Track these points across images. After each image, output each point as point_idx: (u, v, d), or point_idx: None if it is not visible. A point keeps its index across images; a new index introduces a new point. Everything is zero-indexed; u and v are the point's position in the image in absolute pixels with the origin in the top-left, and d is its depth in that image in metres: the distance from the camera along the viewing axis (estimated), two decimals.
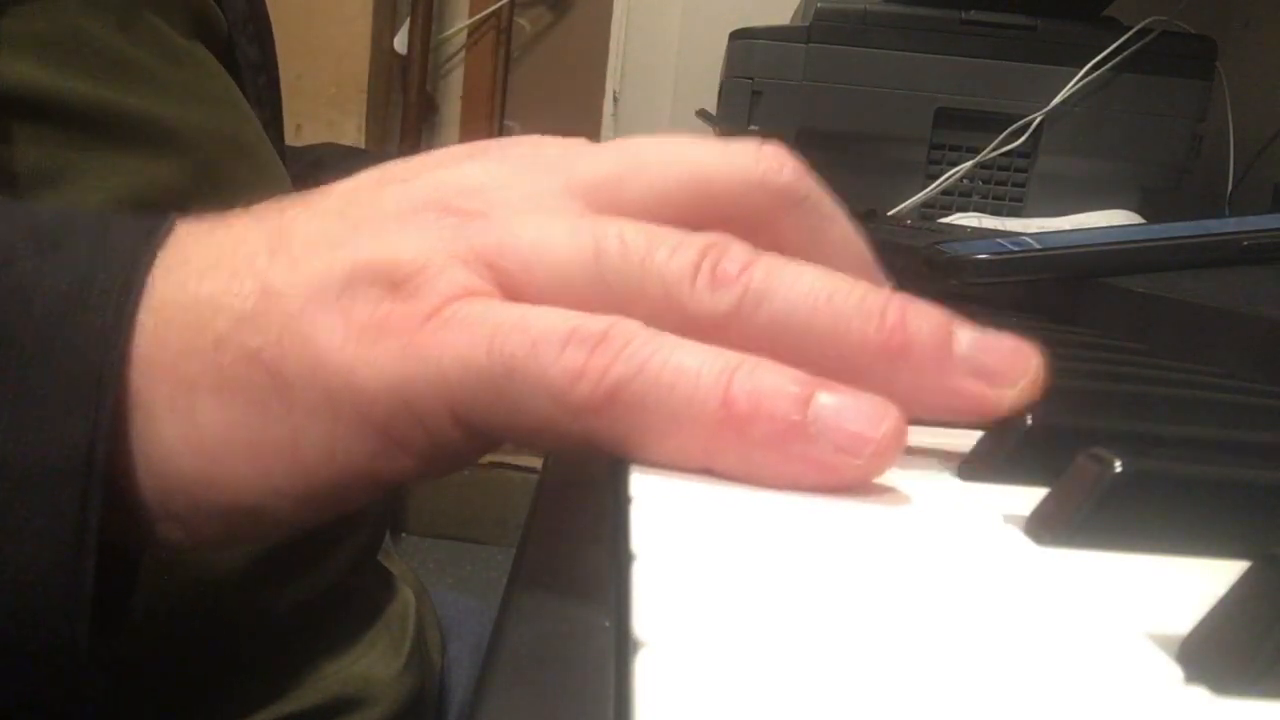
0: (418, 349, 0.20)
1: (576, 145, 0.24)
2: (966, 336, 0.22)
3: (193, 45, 0.43)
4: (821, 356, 0.21)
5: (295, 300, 0.21)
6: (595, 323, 0.20)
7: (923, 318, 0.21)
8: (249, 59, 0.48)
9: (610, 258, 0.21)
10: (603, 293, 0.21)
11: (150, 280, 0.21)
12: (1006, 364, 0.22)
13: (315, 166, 0.57)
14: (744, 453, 0.19)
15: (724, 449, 0.19)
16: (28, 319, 0.19)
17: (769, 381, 0.19)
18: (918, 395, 0.21)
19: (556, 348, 0.19)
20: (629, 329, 0.20)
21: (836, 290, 0.21)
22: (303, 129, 1.46)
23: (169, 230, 0.22)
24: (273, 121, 0.50)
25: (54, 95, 0.34)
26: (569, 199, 0.23)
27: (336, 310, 0.21)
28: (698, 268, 0.21)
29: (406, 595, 0.53)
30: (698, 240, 0.21)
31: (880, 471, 0.20)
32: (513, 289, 0.21)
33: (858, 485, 0.20)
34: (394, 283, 0.21)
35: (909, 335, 0.21)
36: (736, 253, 0.21)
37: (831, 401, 0.19)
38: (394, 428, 0.20)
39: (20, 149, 0.34)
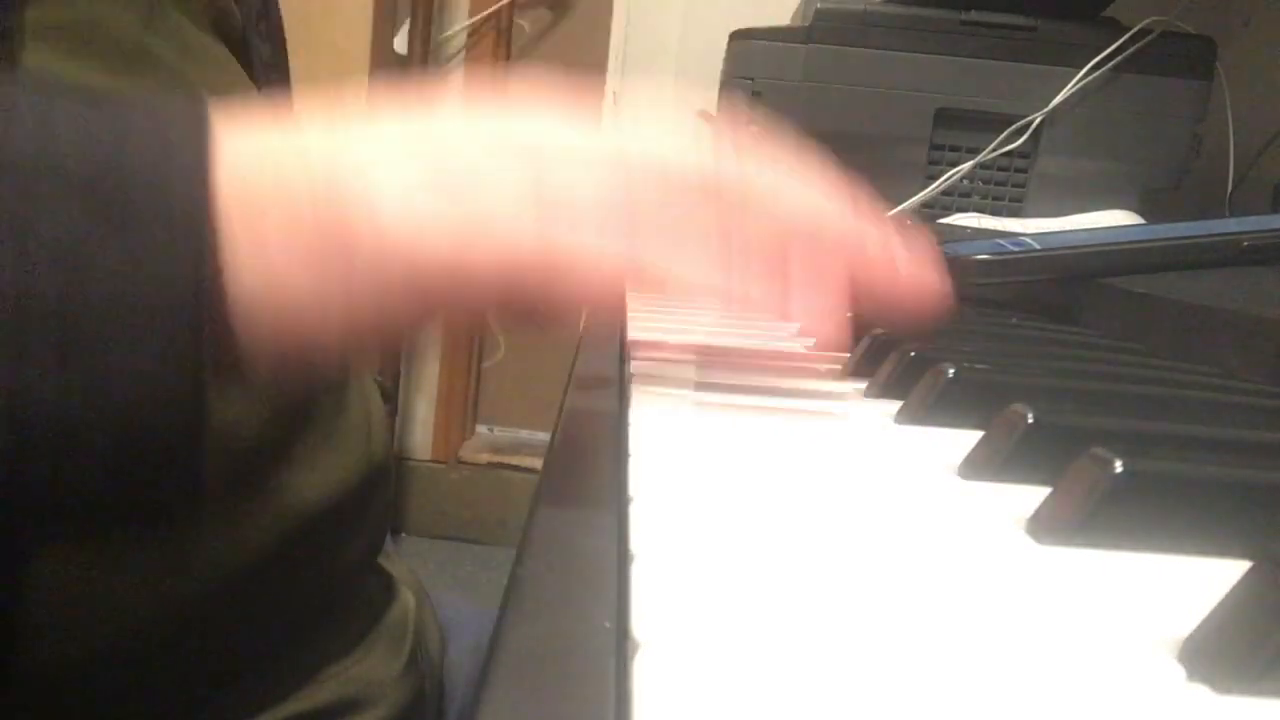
0: (474, 236, 0.24)
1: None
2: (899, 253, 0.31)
3: (211, 42, 0.42)
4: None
5: (366, 183, 0.24)
6: (626, 238, 0.25)
7: (875, 231, 0.31)
8: (262, 57, 0.48)
9: (637, 190, 0.26)
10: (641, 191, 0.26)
11: (218, 150, 0.23)
12: (925, 284, 0.31)
13: None
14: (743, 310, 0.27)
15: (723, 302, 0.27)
16: (122, 176, 0.22)
17: (755, 288, 0.27)
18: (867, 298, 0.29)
19: (597, 250, 0.25)
20: (644, 230, 0.26)
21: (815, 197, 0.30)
22: None
23: (213, 118, 0.24)
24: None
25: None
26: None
27: (403, 197, 0.24)
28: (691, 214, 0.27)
29: (406, 597, 0.53)
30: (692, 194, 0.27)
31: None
32: (554, 207, 0.25)
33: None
34: (451, 182, 0.25)
35: (869, 242, 0.31)
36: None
37: (802, 299, 0.28)
38: (439, 297, 0.24)
39: None
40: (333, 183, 0.24)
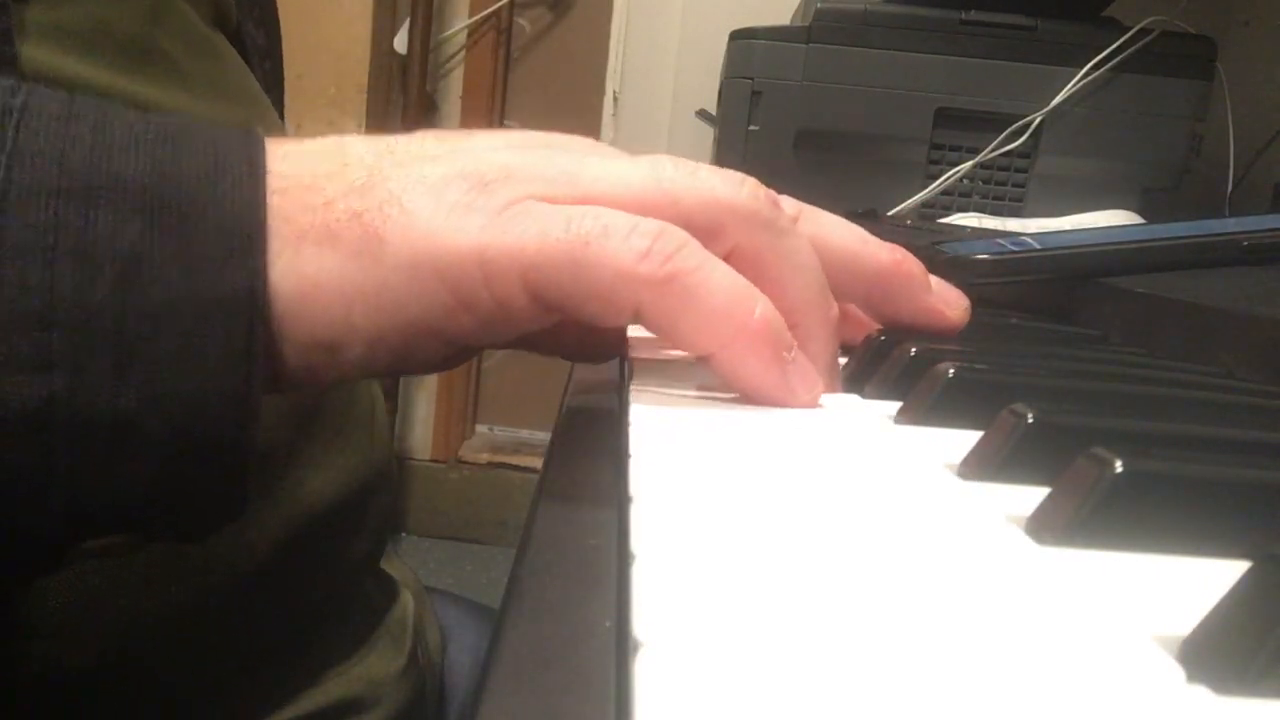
0: (500, 223, 0.25)
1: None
2: (934, 277, 0.34)
3: (214, 35, 0.42)
4: (851, 274, 0.33)
5: (398, 183, 0.25)
6: (652, 222, 0.26)
7: (913, 261, 0.34)
8: (256, 44, 0.48)
9: (666, 175, 0.27)
10: (663, 203, 0.27)
11: (268, 162, 0.25)
12: (955, 296, 0.35)
13: None
14: (744, 357, 0.27)
15: (734, 348, 0.26)
16: (178, 192, 0.23)
17: (777, 319, 0.27)
18: (906, 305, 0.34)
19: (624, 232, 0.25)
20: (681, 233, 0.26)
21: (862, 232, 0.32)
22: (303, 128, 1.46)
23: (259, 134, 0.26)
24: (276, 107, 0.50)
25: (75, 84, 0.34)
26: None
27: (432, 193, 0.25)
28: (739, 186, 0.28)
29: (406, 598, 0.53)
30: (736, 177, 0.28)
31: (808, 400, 0.28)
32: (581, 202, 0.26)
33: (797, 402, 0.28)
34: (484, 182, 0.25)
35: (910, 265, 0.34)
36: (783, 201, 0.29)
37: (802, 356, 0.28)
38: (464, 287, 0.25)
39: None
40: (369, 185, 0.25)
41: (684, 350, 0.27)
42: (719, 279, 0.26)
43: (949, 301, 0.35)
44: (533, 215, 0.25)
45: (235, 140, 0.25)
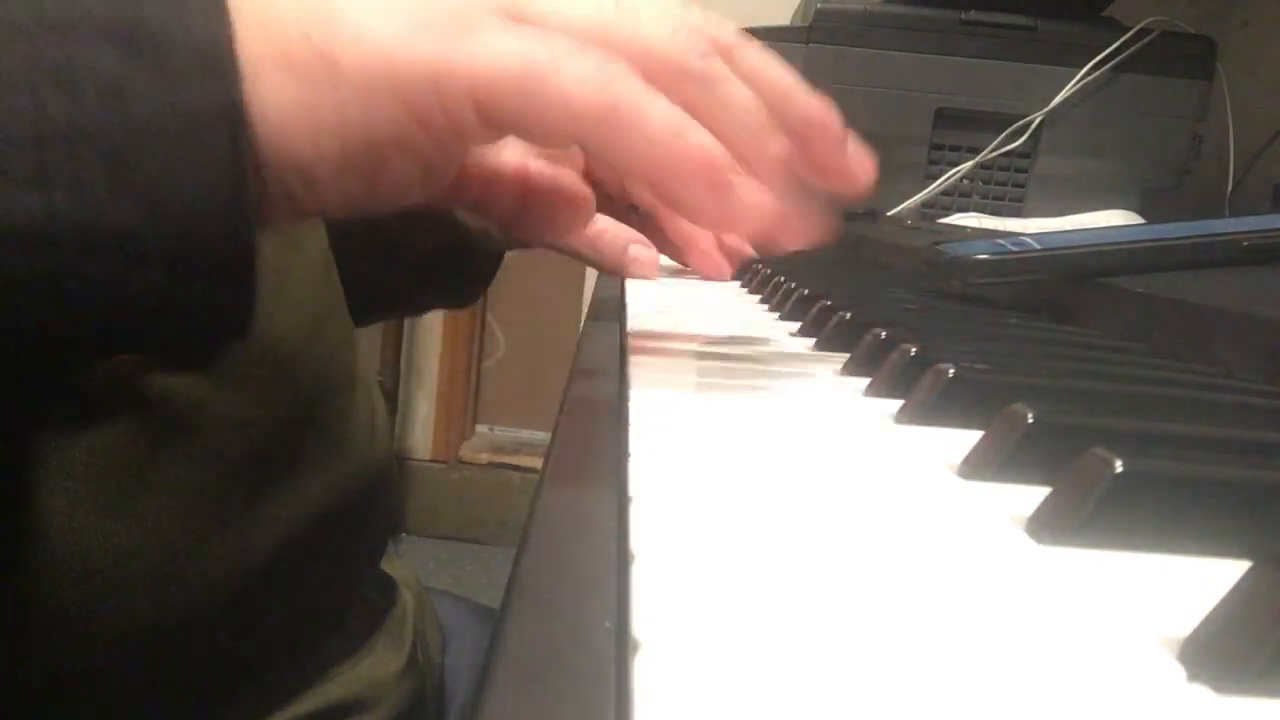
0: (452, 41, 0.25)
1: None
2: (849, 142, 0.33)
3: None
4: (778, 114, 0.31)
5: (349, 4, 0.26)
6: (597, 50, 0.26)
7: (836, 118, 0.33)
8: None
9: (609, 16, 0.28)
10: (603, 45, 0.27)
11: None
12: (867, 163, 0.34)
13: None
14: (686, 184, 0.27)
15: (674, 179, 0.27)
16: (148, 21, 0.23)
17: (713, 145, 0.27)
18: (819, 159, 0.32)
19: (570, 59, 0.26)
20: (622, 65, 0.27)
21: (793, 75, 0.31)
22: None
23: None
24: None
25: None
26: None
27: (383, 13, 0.25)
28: (672, 34, 0.28)
29: (406, 598, 0.53)
30: (669, 18, 0.29)
31: (754, 215, 0.28)
32: (526, 26, 0.27)
33: (745, 226, 0.28)
34: (431, 1, 0.26)
35: (833, 120, 0.33)
36: (699, 35, 0.29)
37: (744, 180, 0.28)
38: (419, 104, 0.25)
39: None
40: (321, 5, 0.25)
41: (626, 176, 0.29)
42: (658, 110, 0.27)
43: (861, 166, 0.34)
44: (484, 35, 0.26)
45: None
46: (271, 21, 0.25)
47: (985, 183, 0.95)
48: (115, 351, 0.26)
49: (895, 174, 0.95)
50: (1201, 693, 0.13)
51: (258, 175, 0.25)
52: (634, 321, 0.41)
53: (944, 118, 0.93)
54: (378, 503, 0.48)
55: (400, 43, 0.25)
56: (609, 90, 0.26)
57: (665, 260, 0.58)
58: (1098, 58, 0.89)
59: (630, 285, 0.52)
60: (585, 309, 0.55)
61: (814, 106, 0.33)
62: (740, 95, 0.30)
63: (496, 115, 0.26)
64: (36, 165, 0.22)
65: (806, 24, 0.94)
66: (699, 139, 0.27)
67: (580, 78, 0.26)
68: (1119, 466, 0.18)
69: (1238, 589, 0.14)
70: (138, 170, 0.23)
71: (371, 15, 0.25)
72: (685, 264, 0.59)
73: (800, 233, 0.32)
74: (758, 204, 0.28)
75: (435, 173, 0.29)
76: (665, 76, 0.28)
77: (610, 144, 0.27)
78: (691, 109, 0.28)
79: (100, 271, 0.23)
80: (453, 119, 0.26)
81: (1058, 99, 0.90)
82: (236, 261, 0.24)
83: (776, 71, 0.32)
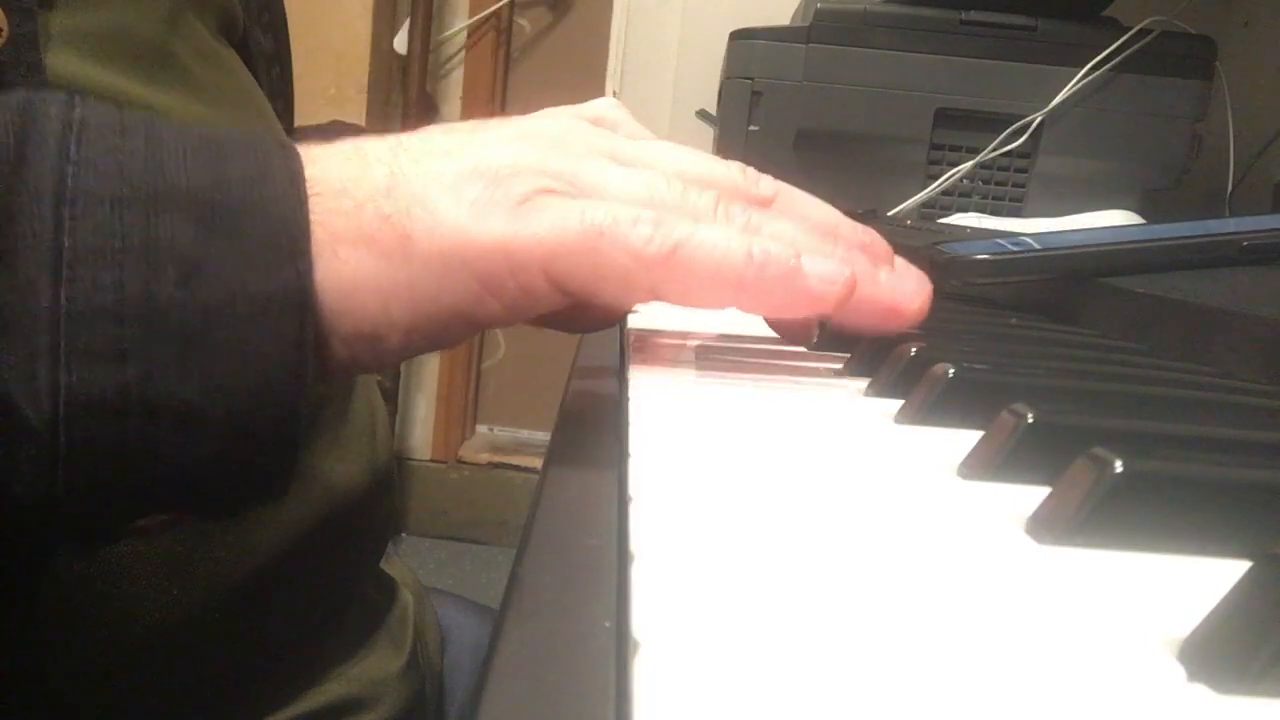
0: (519, 217, 0.27)
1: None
2: (885, 273, 0.32)
3: (222, 48, 0.43)
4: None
5: (419, 182, 0.27)
6: (653, 209, 0.28)
7: (860, 261, 0.31)
8: (264, 50, 0.48)
9: (659, 190, 0.30)
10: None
11: (302, 166, 0.27)
12: (911, 288, 0.32)
13: None
14: (763, 291, 0.28)
15: (748, 287, 0.28)
16: (228, 198, 0.25)
17: (774, 245, 0.29)
18: (857, 304, 0.30)
19: (631, 220, 0.27)
20: (677, 213, 0.29)
21: (806, 237, 0.31)
22: None
23: (293, 142, 0.28)
24: (284, 113, 0.50)
25: (94, 90, 0.34)
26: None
27: (452, 192, 0.27)
28: (715, 205, 0.30)
29: (406, 598, 0.53)
30: (712, 191, 0.30)
31: (845, 300, 0.29)
32: (583, 198, 0.28)
33: (832, 307, 0.29)
34: (497, 178, 0.27)
35: (883, 242, 0.33)
36: (737, 204, 0.31)
37: (811, 258, 0.29)
38: (491, 278, 0.27)
39: None
40: (392, 187, 0.27)
41: (708, 308, 0.29)
42: (711, 236, 0.28)
43: (907, 294, 0.32)
44: (549, 209, 0.27)
45: (275, 148, 0.26)
46: (348, 198, 0.26)
47: (985, 183, 0.95)
48: (154, 511, 0.27)
49: (895, 174, 0.94)
50: (1201, 692, 0.13)
51: (324, 347, 0.26)
52: (634, 321, 0.41)
53: (944, 118, 0.93)
54: (379, 503, 0.48)
55: (473, 222, 0.27)
56: (673, 234, 0.28)
57: None
58: (1098, 58, 0.89)
59: None
60: None
61: (862, 230, 0.34)
62: (789, 225, 0.31)
63: (569, 281, 0.27)
64: (114, 340, 0.23)
65: (806, 24, 0.94)
66: (762, 245, 0.29)
67: (644, 232, 0.27)
68: (1119, 466, 0.18)
69: (1238, 589, 0.14)
70: (207, 349, 0.24)
71: (444, 198, 0.27)
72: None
73: (880, 308, 0.31)
74: (835, 273, 0.29)
75: (496, 325, 0.30)
76: (717, 192, 0.30)
77: (684, 282, 0.28)
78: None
79: (160, 441, 0.24)
80: (524, 288, 0.27)
81: (1058, 99, 0.90)
82: (288, 435, 0.25)
83: (824, 208, 0.34)
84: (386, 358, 0.28)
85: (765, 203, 0.32)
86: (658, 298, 0.29)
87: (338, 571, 0.45)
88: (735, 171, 0.33)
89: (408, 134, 0.29)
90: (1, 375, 0.23)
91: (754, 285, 0.28)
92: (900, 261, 0.34)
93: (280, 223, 0.25)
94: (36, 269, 0.23)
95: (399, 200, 0.27)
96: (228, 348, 0.24)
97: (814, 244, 0.31)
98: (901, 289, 0.32)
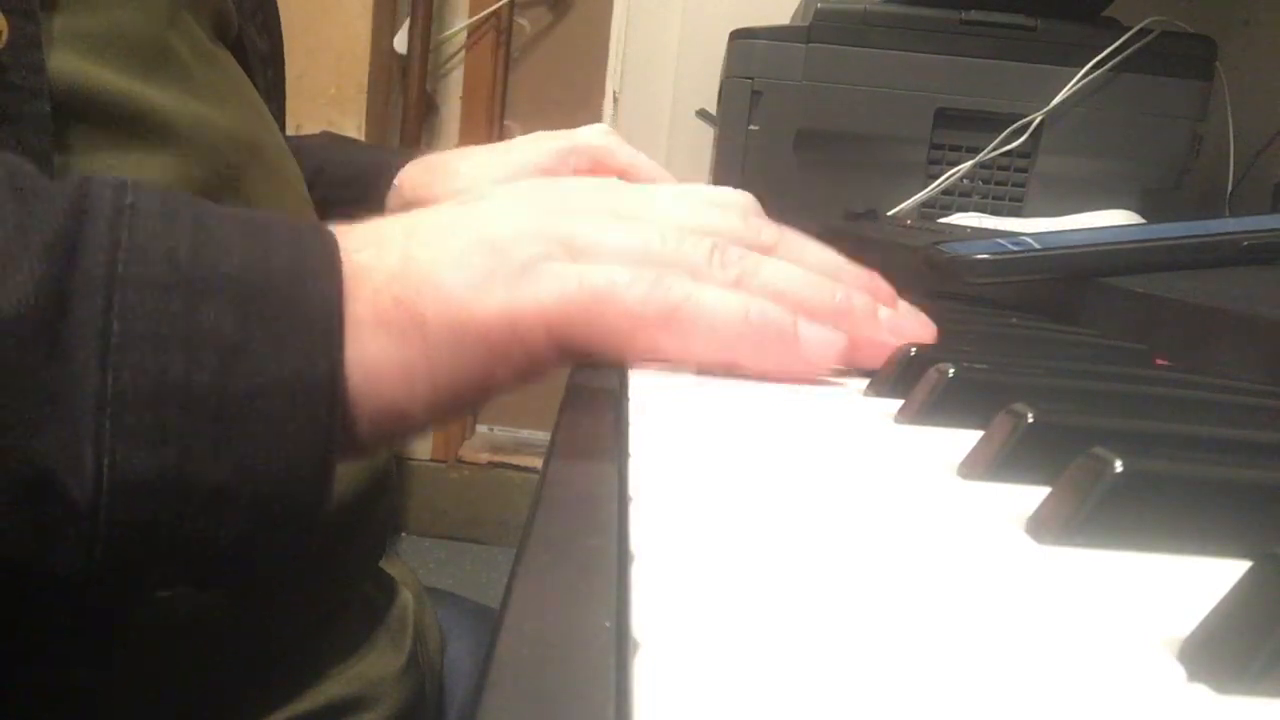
0: (521, 286, 0.28)
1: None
2: (885, 311, 0.33)
3: (218, 48, 0.43)
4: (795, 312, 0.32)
5: (428, 264, 0.28)
6: (650, 270, 0.29)
7: (860, 300, 0.33)
8: (258, 51, 0.48)
9: (654, 246, 0.30)
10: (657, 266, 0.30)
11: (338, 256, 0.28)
12: (912, 328, 0.33)
13: (318, 174, 0.56)
14: (759, 351, 0.30)
15: (747, 351, 0.30)
16: (269, 286, 0.26)
17: (771, 308, 0.30)
18: (857, 345, 0.32)
19: (627, 282, 0.29)
20: (673, 273, 0.30)
21: (805, 278, 0.32)
22: (303, 129, 1.46)
23: (326, 227, 0.29)
24: (277, 115, 0.50)
25: (94, 90, 0.34)
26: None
27: (457, 267, 0.28)
28: (710, 255, 0.31)
29: (406, 597, 0.53)
30: (708, 240, 0.31)
31: (832, 357, 0.31)
32: (583, 260, 0.30)
33: (822, 371, 0.31)
34: (497, 248, 0.29)
35: (851, 305, 0.33)
36: (734, 250, 0.32)
37: (807, 323, 0.30)
38: (500, 345, 0.28)
39: (59, 146, 0.34)
40: (404, 269, 0.28)
41: (708, 365, 0.30)
42: (712, 298, 0.29)
43: (907, 334, 0.33)
44: (548, 275, 0.29)
45: (315, 236, 0.28)
46: (367, 285, 0.27)
47: (985, 183, 0.95)
48: (179, 584, 0.28)
49: (895, 174, 0.94)
50: (1201, 692, 0.13)
51: (352, 428, 0.27)
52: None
53: (944, 118, 0.93)
54: (377, 502, 0.48)
55: (477, 294, 0.28)
56: (669, 296, 0.29)
57: None
58: (1098, 58, 0.89)
59: None
60: None
61: (864, 273, 0.34)
62: (788, 269, 0.32)
63: (570, 342, 0.29)
64: (156, 424, 0.24)
65: (806, 24, 0.94)
66: (759, 307, 0.30)
67: (639, 293, 0.29)
68: (1119, 466, 0.18)
69: (1238, 589, 0.14)
70: (241, 434, 0.25)
71: (449, 273, 0.28)
72: None
73: (882, 349, 0.32)
74: (829, 340, 0.30)
75: (508, 391, 0.31)
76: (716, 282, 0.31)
77: (682, 342, 0.29)
78: (748, 290, 0.31)
79: (189, 521, 0.25)
80: (530, 353, 0.29)
81: (1058, 99, 0.90)
82: (312, 514, 0.26)
83: (825, 253, 0.35)
84: (412, 432, 0.29)
85: (767, 250, 0.33)
86: (657, 355, 0.29)
87: (336, 569, 0.45)
88: (735, 218, 0.33)
89: (423, 211, 0.31)
90: (49, 454, 0.23)
91: (750, 347, 0.30)
92: (904, 305, 0.35)
93: (319, 314, 0.26)
94: (86, 354, 0.23)
95: (410, 282, 0.28)
96: (261, 433, 0.25)
97: (814, 284, 0.32)
98: (902, 328, 0.33)
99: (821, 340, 0.30)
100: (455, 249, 0.29)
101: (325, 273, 0.27)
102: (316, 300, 0.26)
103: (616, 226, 0.31)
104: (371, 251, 0.28)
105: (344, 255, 0.28)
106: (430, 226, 0.30)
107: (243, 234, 0.26)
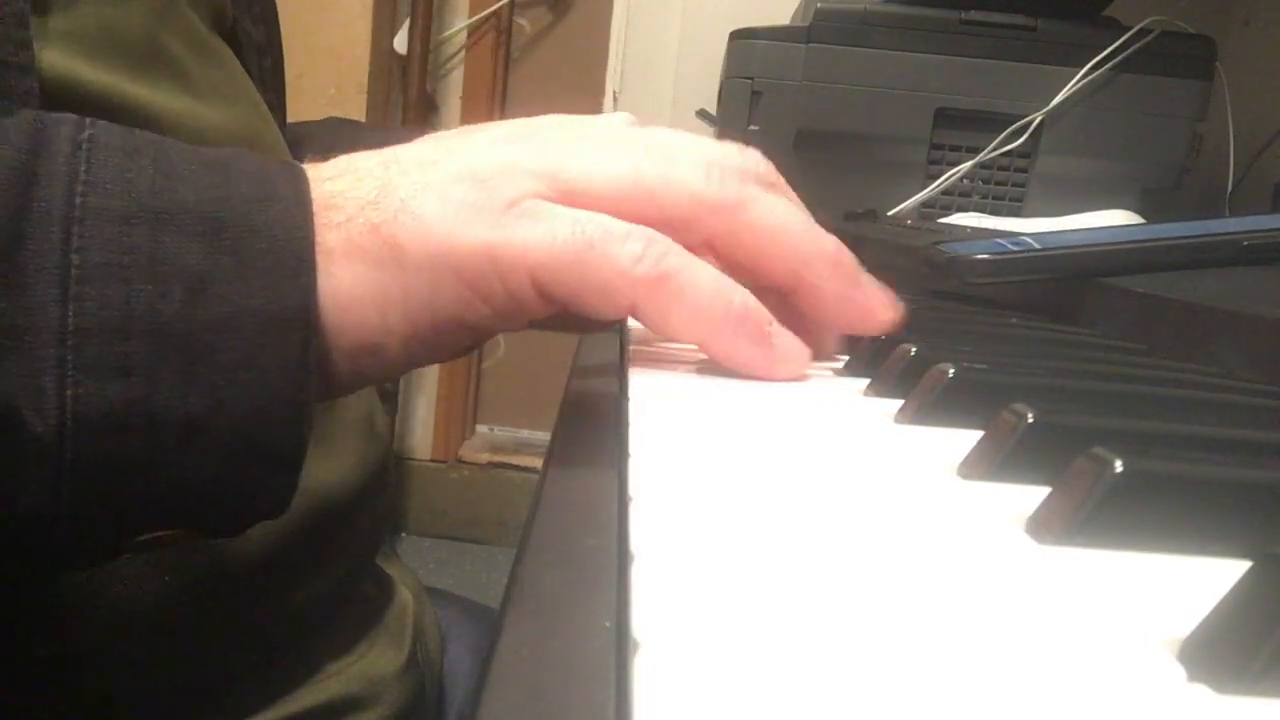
0: (506, 223, 0.27)
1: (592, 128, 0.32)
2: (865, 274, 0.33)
3: (214, 39, 0.42)
4: (791, 249, 0.32)
5: (406, 190, 0.27)
6: (644, 229, 0.28)
7: (846, 252, 0.33)
8: (254, 41, 0.48)
9: (645, 173, 0.29)
10: (643, 199, 0.29)
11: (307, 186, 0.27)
12: (888, 296, 0.33)
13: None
14: (733, 340, 0.30)
15: (720, 336, 0.30)
16: (234, 216, 0.25)
17: (754, 304, 0.30)
18: (838, 299, 0.32)
19: (622, 236, 0.28)
20: (666, 240, 0.29)
21: (805, 219, 0.32)
22: None
23: (299, 164, 0.28)
24: (277, 106, 0.50)
25: (89, 90, 0.34)
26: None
27: (438, 196, 0.27)
28: (724, 186, 0.30)
29: (405, 596, 0.53)
30: (700, 169, 0.30)
31: (795, 369, 0.31)
32: (570, 198, 0.28)
33: (783, 379, 0.31)
34: (481, 180, 0.27)
35: (845, 256, 0.33)
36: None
37: (782, 330, 0.31)
38: (480, 282, 0.27)
39: None
40: (380, 196, 0.27)
41: (675, 340, 0.30)
42: (702, 276, 0.29)
43: (880, 301, 0.33)
44: (537, 216, 0.27)
45: (280, 167, 0.27)
46: (339, 213, 0.27)
47: (985, 183, 0.95)
48: (155, 527, 0.27)
49: (895, 174, 0.94)
50: (1201, 692, 0.13)
51: (327, 362, 0.26)
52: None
53: (944, 118, 0.93)
54: (373, 501, 0.48)
55: (459, 227, 0.27)
56: (662, 263, 0.28)
57: None
58: (1098, 58, 0.89)
59: None
60: None
61: (831, 242, 0.33)
62: (782, 208, 0.31)
63: (555, 289, 0.28)
64: (120, 356, 0.23)
65: (806, 24, 0.94)
66: (742, 300, 0.30)
67: (633, 252, 0.28)
68: (1119, 466, 0.18)
69: (1237, 589, 0.14)
70: (211, 366, 0.24)
71: (430, 203, 0.27)
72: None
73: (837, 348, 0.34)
74: (797, 354, 0.31)
75: (494, 334, 0.30)
76: (706, 216, 0.30)
77: (663, 311, 0.29)
78: (738, 238, 0.31)
79: (162, 457, 0.24)
80: (513, 294, 0.27)
81: (1058, 99, 0.90)
82: (290, 452, 0.26)
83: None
84: (389, 369, 0.28)
85: (761, 180, 0.32)
86: (635, 316, 0.29)
87: (332, 565, 0.45)
88: (726, 183, 0.32)
89: (402, 146, 0.29)
90: (10, 389, 0.23)
91: (726, 335, 0.30)
92: (866, 277, 0.34)
93: (286, 242, 0.25)
94: (45, 286, 0.23)
95: (385, 208, 0.27)
96: (232, 364, 0.24)
97: (811, 240, 0.32)
98: (875, 296, 0.33)
99: (790, 351, 0.31)
100: (437, 180, 0.28)
101: (293, 199, 0.26)
102: (284, 227, 0.25)
103: (604, 148, 0.30)
104: (347, 179, 0.28)
105: (314, 184, 0.27)
106: (411, 158, 0.29)
107: (206, 166, 0.26)
